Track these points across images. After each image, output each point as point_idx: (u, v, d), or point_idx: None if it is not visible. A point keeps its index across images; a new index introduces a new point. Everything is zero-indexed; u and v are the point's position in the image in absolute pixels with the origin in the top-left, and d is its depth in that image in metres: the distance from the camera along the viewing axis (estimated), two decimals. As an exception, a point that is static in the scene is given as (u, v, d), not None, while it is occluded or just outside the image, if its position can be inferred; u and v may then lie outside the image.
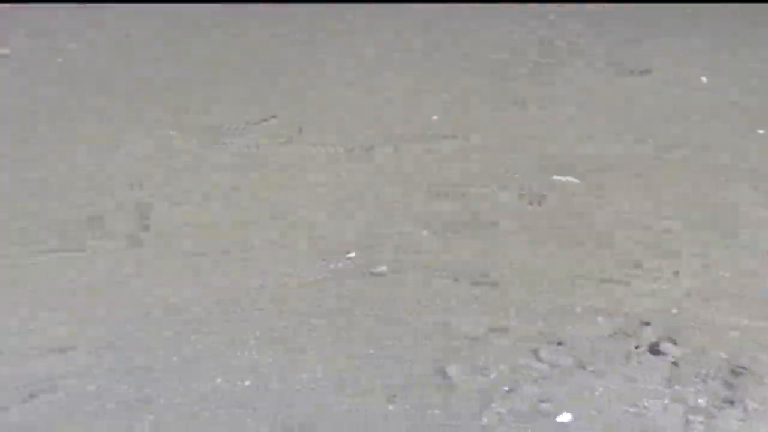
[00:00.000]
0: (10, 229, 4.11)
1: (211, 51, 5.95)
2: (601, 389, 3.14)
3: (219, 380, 3.22)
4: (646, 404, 3.09)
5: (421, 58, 5.81)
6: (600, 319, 3.46)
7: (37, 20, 6.45)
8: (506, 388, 3.15)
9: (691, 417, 3.05)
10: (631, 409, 3.07)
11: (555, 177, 4.37)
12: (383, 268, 3.79)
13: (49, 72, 5.67)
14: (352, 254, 3.90)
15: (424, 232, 4.04)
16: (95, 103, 5.24)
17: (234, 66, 5.74)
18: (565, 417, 3.04)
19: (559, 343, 3.34)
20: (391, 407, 3.08)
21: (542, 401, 3.09)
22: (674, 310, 3.52)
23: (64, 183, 4.45)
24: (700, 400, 3.11)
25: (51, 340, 3.44)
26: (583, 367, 3.24)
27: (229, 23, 6.39)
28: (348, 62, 5.75)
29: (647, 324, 3.43)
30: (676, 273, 3.73)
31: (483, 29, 6.26)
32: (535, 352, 3.30)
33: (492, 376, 3.20)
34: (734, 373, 3.22)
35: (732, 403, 3.11)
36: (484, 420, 3.02)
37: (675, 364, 3.25)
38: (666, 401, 3.11)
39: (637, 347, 3.33)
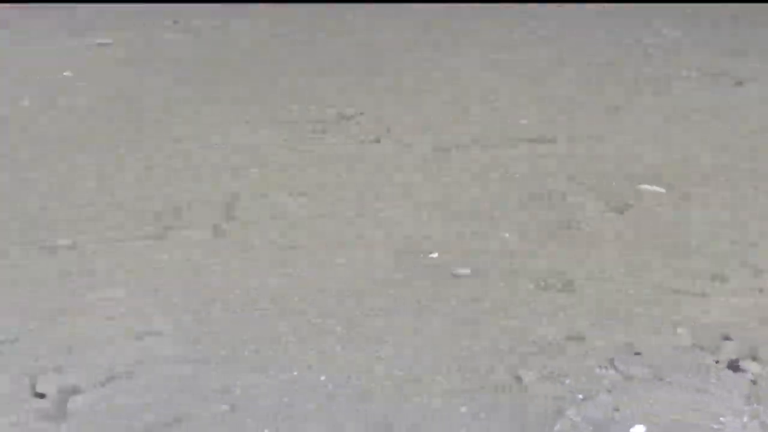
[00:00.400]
0: (103, 216, 4.20)
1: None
2: (677, 402, 3.11)
3: (296, 373, 3.25)
4: (723, 420, 3.04)
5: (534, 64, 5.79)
6: (679, 330, 3.43)
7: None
8: (581, 396, 3.13)
9: (769, 436, 3.01)
10: (708, 425, 3.03)
11: (640, 186, 4.33)
12: (465, 270, 3.79)
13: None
14: (435, 254, 3.90)
15: (508, 236, 4.03)
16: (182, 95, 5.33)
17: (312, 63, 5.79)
18: (638, 429, 3.01)
19: (637, 354, 3.31)
20: (463, 409, 3.08)
21: (616, 411, 3.06)
22: (756, 326, 3.46)
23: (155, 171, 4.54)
24: (779, 420, 3.06)
25: (132, 326, 3.51)
26: (660, 379, 3.20)
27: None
28: (423, 62, 5.76)
29: (727, 339, 3.39)
30: (761, 289, 3.67)
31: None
32: (611, 361, 3.28)
33: (567, 383, 3.19)
34: (815, 393, 3.17)
35: (812, 424, 3.06)
36: (557, 427, 3.00)
37: (754, 381, 3.20)
38: (744, 419, 3.05)
39: (716, 362, 3.29)
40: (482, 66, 5.70)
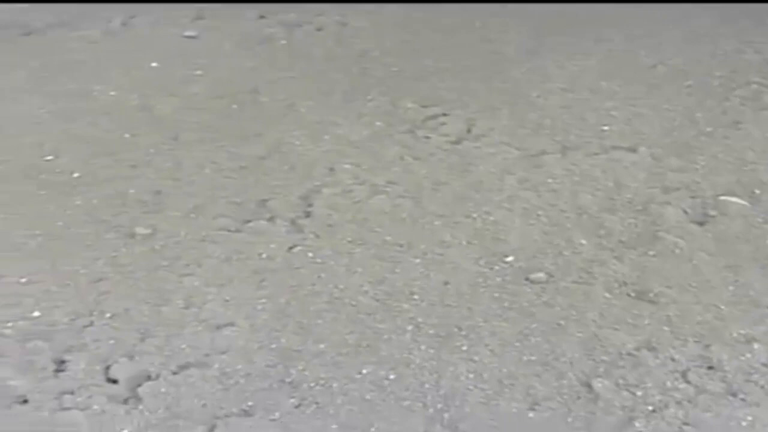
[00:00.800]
0: (184, 206, 4.26)
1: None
2: (749, 419, 3.06)
3: (366, 371, 3.26)
4: (796, 440, 3.00)
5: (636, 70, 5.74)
6: (756, 346, 3.37)
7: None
8: (651, 408, 3.10)
9: (844, 458, 2.95)
10: (780, 444, 2.99)
11: (723, 197, 4.26)
12: (540, 275, 3.77)
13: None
14: (511, 258, 3.89)
15: (585, 242, 3.99)
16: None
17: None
18: (708, 443, 2.98)
19: (710, 367, 3.27)
20: (531, 414, 3.07)
21: (686, 424, 3.03)
22: (835, 345, 3.40)
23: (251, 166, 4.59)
24: None
25: (207, 317, 3.55)
26: (733, 395, 3.15)
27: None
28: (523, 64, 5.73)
29: (804, 357, 3.34)
30: (842, 308, 3.61)
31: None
32: (684, 373, 3.24)
33: (638, 393, 3.15)
34: None
35: None
36: (625, 437, 2.98)
37: (831, 401, 3.14)
38: (818, 440, 3.01)
39: (791, 379, 3.24)
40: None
